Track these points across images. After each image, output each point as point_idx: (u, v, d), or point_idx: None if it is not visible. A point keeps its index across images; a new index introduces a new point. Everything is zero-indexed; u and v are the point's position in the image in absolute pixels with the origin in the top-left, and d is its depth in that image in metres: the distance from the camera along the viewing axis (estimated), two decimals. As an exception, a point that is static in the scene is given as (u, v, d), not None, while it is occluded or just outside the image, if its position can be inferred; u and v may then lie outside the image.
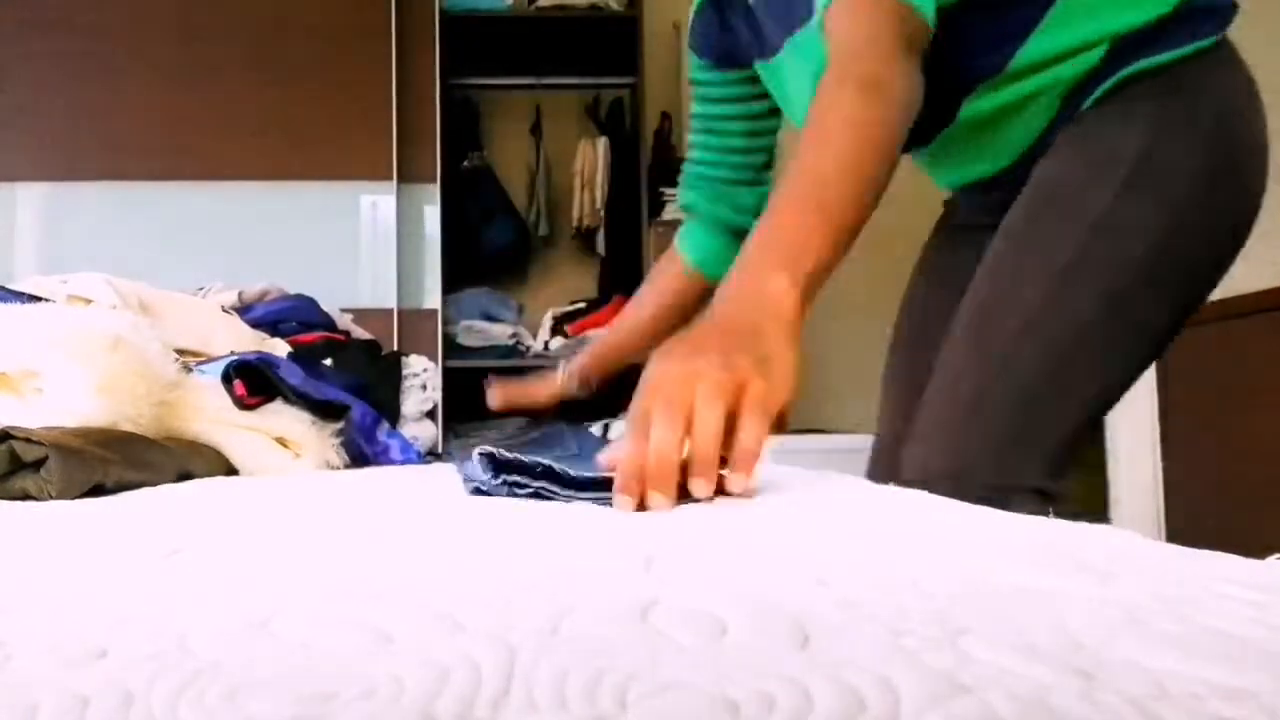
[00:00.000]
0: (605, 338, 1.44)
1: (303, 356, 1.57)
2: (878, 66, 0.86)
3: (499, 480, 0.70)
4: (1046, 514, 0.60)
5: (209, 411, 1.13)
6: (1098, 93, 1.00)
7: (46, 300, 1.26)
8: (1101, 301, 0.96)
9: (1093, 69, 1.00)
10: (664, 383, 0.65)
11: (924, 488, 0.76)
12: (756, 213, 1.28)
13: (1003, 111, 1.05)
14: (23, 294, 1.26)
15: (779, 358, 0.72)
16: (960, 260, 1.14)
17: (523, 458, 0.70)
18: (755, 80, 1.24)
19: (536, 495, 0.69)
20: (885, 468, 1.24)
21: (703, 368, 0.65)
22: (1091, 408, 1.00)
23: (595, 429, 1.18)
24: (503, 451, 0.71)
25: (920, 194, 1.71)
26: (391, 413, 1.79)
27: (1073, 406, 0.98)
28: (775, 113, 1.28)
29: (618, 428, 1.12)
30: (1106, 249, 0.96)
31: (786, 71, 1.11)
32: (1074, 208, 0.98)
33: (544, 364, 3.10)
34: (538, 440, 1.11)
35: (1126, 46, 0.99)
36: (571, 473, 0.68)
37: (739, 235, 1.27)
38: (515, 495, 0.70)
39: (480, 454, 0.72)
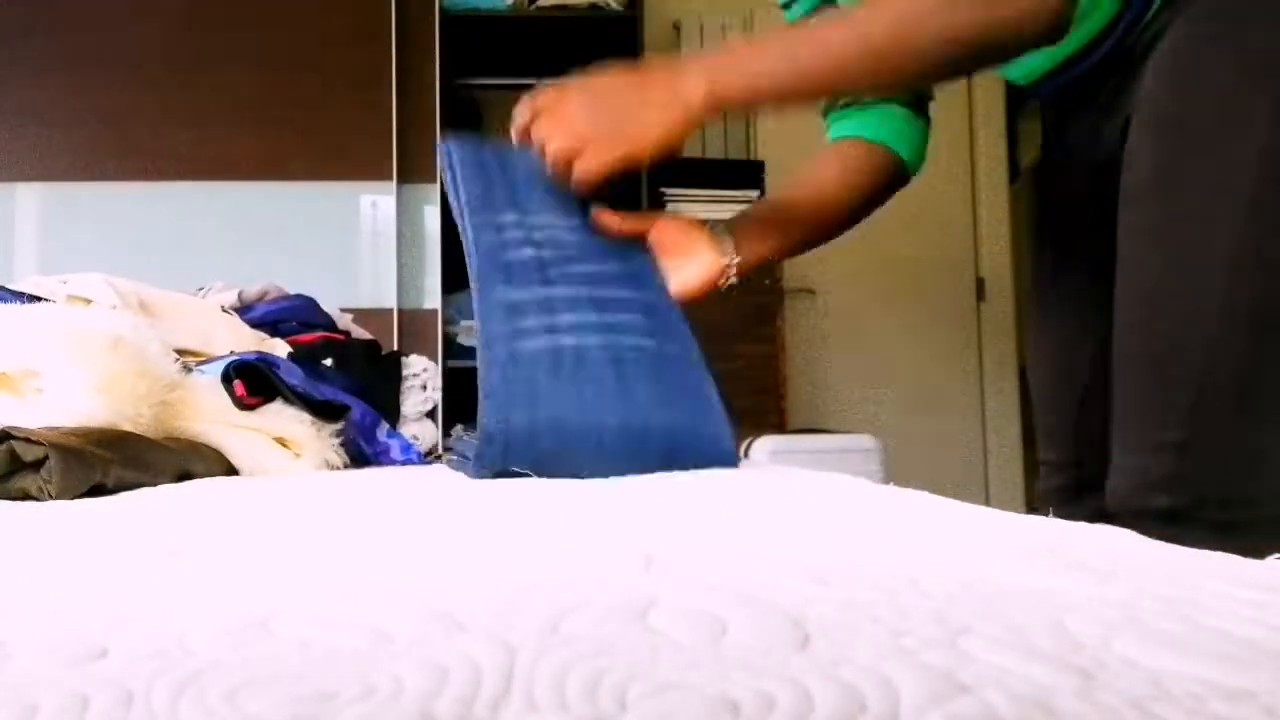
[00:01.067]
0: (775, 211, 1.12)
1: (303, 356, 1.56)
2: None
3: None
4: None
5: (209, 411, 1.13)
6: None
7: (46, 300, 1.26)
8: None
9: None
10: (551, 110, 0.85)
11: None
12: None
13: None
14: (22, 294, 1.26)
15: (634, 137, 0.85)
16: (1077, 222, 0.98)
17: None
18: None
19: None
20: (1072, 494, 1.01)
21: (575, 119, 0.84)
22: None
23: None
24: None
25: (917, 200, 1.72)
26: (391, 413, 1.79)
27: None
28: None
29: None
30: (1270, 191, 0.77)
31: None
32: (1231, 144, 0.78)
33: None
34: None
35: None
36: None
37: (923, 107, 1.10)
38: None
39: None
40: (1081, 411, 0.98)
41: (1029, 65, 0.95)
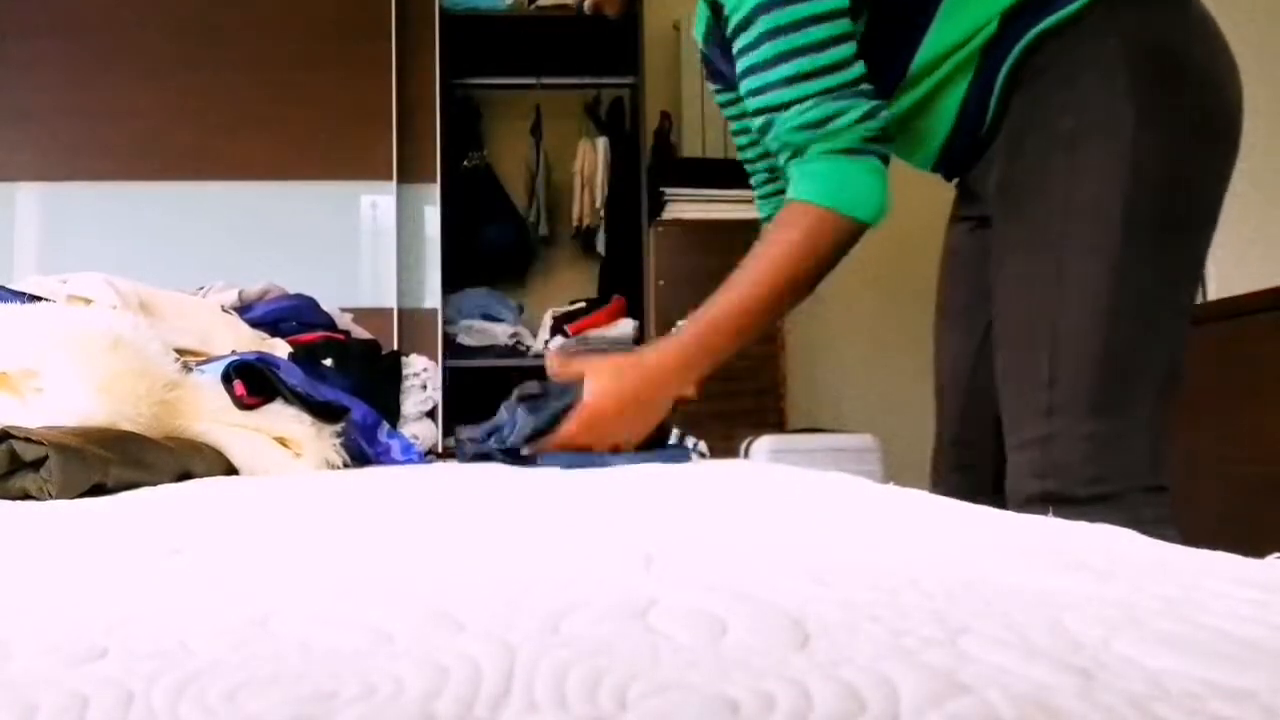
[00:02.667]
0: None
1: (303, 356, 1.57)
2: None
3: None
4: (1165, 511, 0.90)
5: (209, 411, 1.13)
6: (1010, 60, 1.04)
7: (46, 300, 1.26)
8: (1113, 275, 0.97)
9: (991, 40, 1.05)
10: (593, 427, 1.12)
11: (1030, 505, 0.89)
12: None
13: (925, 100, 1.12)
14: (23, 294, 1.26)
15: (649, 427, 1.16)
16: (975, 246, 1.20)
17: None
18: None
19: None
20: (950, 468, 1.25)
21: (613, 428, 1.13)
22: (1165, 366, 1.00)
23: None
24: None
25: (914, 202, 1.72)
26: (392, 413, 1.79)
27: (1146, 382, 0.99)
28: None
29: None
30: (1086, 226, 0.98)
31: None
32: (1042, 200, 1.02)
33: (544, 364, 3.10)
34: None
35: (1019, 15, 1.03)
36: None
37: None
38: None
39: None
40: (966, 405, 1.22)
41: (919, 159, 1.22)
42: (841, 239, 1.07)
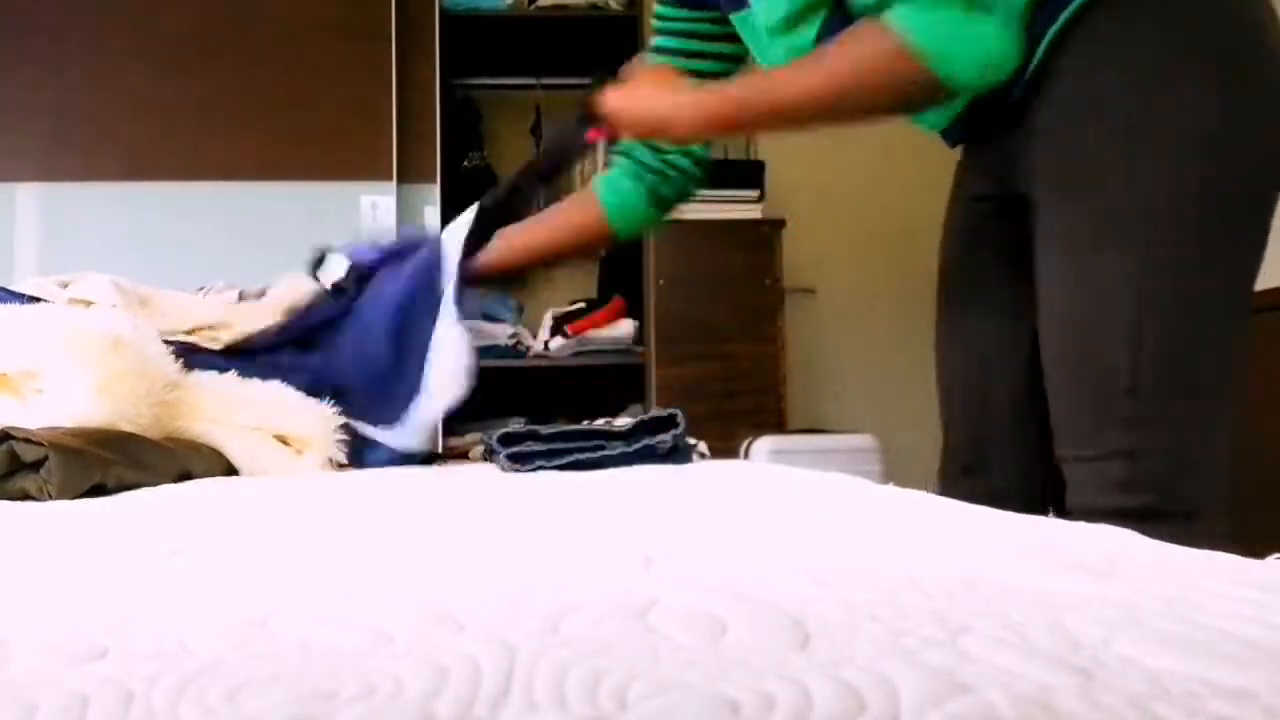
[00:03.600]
0: (505, 242, 1.44)
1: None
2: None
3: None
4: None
5: (209, 411, 1.13)
6: (1064, 16, 0.94)
7: (45, 301, 1.25)
8: (1198, 274, 0.91)
9: None
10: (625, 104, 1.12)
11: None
12: (683, 178, 1.39)
13: None
14: (23, 295, 1.26)
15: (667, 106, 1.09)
16: (994, 231, 1.12)
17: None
18: (716, 29, 1.24)
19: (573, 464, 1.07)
20: (959, 471, 1.17)
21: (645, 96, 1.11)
22: (1232, 373, 0.95)
23: (599, 422, 1.21)
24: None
25: (916, 201, 1.72)
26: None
27: (1225, 390, 0.94)
28: (725, 71, 1.27)
29: (621, 422, 1.16)
30: (1164, 219, 0.91)
31: (758, 21, 1.10)
32: (1110, 188, 0.93)
33: (544, 364, 3.10)
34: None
35: None
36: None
37: (658, 201, 1.40)
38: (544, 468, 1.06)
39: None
40: (978, 406, 1.15)
41: (932, 119, 1.11)
42: (912, 85, 0.93)
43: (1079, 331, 0.96)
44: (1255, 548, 0.47)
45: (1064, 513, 0.99)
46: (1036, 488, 1.09)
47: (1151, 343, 0.91)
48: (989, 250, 1.12)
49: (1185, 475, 0.92)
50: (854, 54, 0.95)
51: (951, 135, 1.13)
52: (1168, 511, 0.90)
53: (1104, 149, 0.94)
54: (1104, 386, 0.93)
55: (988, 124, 1.05)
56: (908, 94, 0.95)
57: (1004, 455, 1.11)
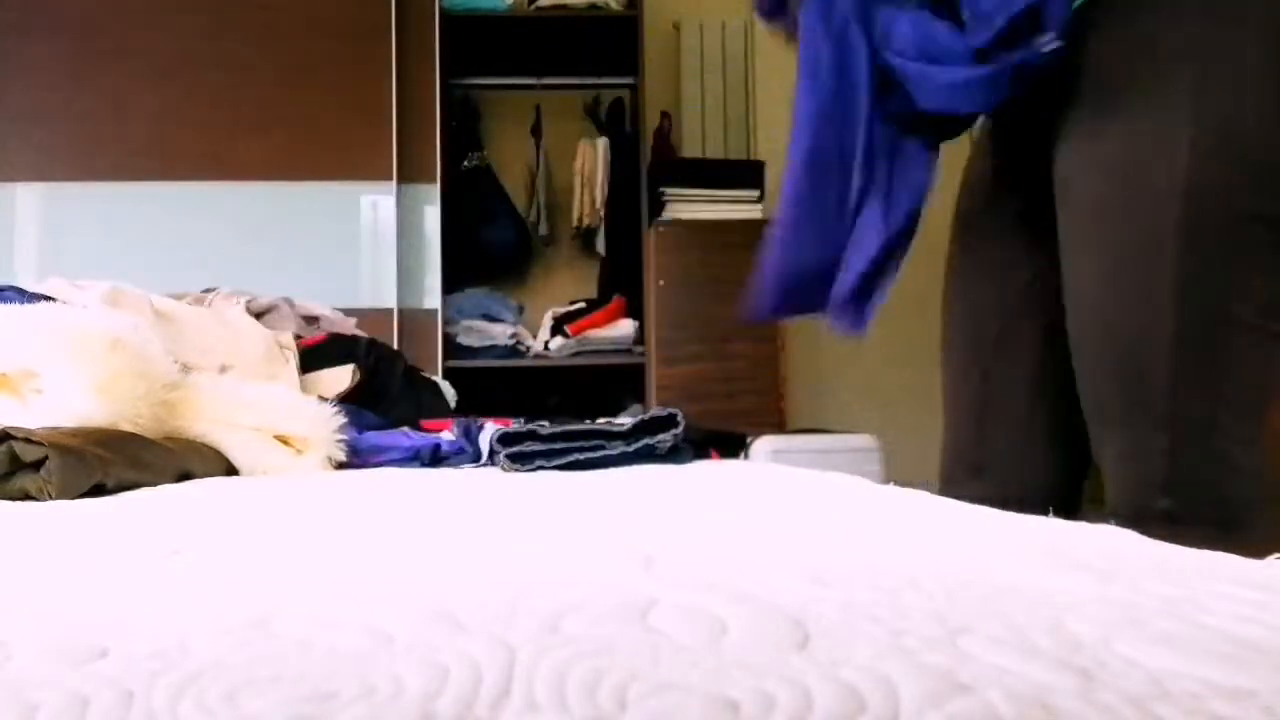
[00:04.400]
0: None
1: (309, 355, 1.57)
2: None
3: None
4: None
5: (208, 411, 1.13)
6: None
7: (55, 301, 1.25)
8: (1244, 277, 0.88)
9: None
10: None
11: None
12: None
13: None
14: (24, 293, 1.26)
15: None
16: (1007, 218, 1.08)
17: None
18: None
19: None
20: (965, 471, 1.13)
21: None
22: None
23: (600, 422, 1.21)
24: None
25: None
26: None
27: (1264, 392, 0.91)
28: None
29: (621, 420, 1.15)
30: (1206, 221, 0.88)
31: None
32: (1151, 183, 0.89)
33: (544, 364, 3.10)
34: None
35: None
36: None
37: None
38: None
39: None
40: (985, 404, 1.10)
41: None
42: None
43: (1111, 330, 0.93)
44: (1255, 548, 0.47)
45: (1072, 513, 0.98)
46: (1048, 487, 1.05)
47: (1192, 344, 0.89)
48: (1008, 212, 1.07)
49: (1228, 479, 0.90)
50: None
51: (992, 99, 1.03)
52: (1210, 516, 0.88)
53: (1143, 131, 0.90)
54: (1141, 384, 0.91)
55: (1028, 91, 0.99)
56: None
57: (1017, 454, 1.07)
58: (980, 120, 1.12)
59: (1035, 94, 0.98)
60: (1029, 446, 1.06)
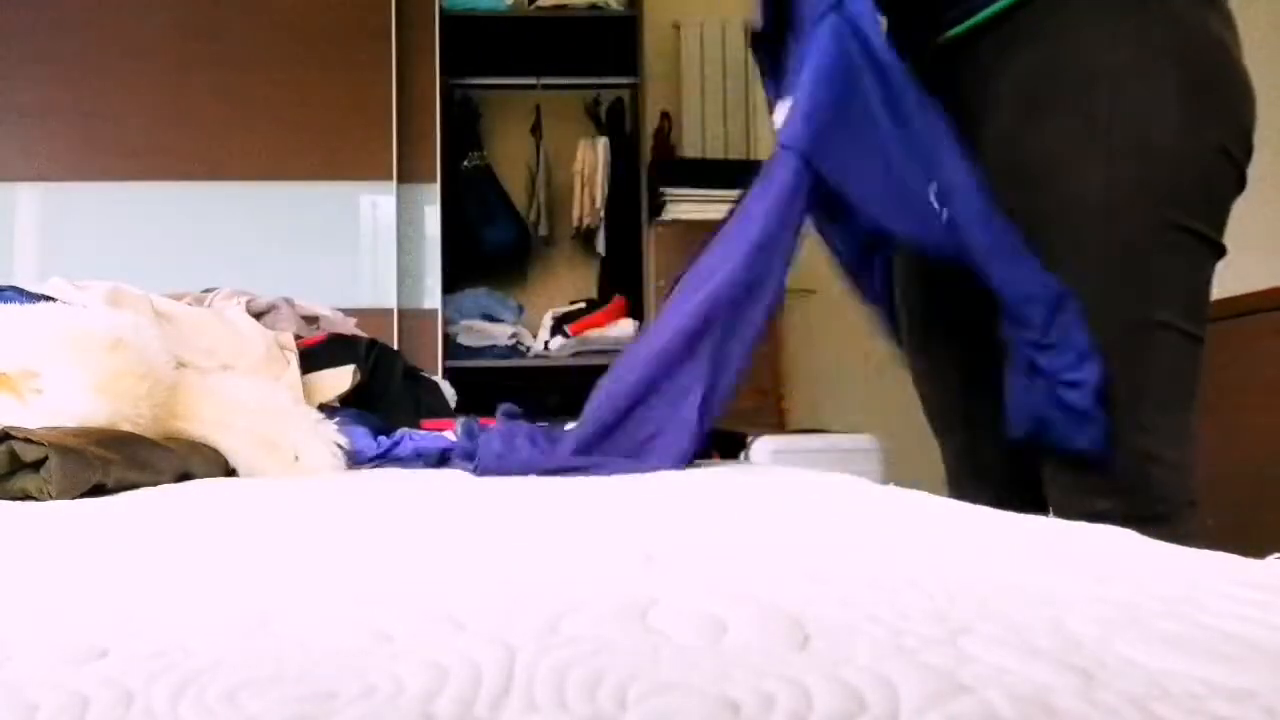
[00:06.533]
0: None
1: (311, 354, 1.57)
2: None
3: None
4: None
5: (209, 412, 1.13)
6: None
7: (58, 301, 1.25)
8: (1184, 271, 0.93)
9: None
10: None
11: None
12: None
13: None
14: (24, 293, 1.26)
15: None
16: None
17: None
18: None
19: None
20: (967, 476, 1.17)
21: None
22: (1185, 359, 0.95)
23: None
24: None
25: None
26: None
27: (1196, 388, 0.95)
28: None
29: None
30: (1134, 223, 0.92)
31: None
32: (1077, 184, 0.94)
33: (544, 364, 3.10)
34: None
35: None
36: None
37: None
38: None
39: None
40: (969, 409, 1.15)
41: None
42: None
43: None
44: (1255, 548, 0.47)
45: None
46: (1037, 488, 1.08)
47: (1114, 347, 0.93)
48: (946, 286, 1.10)
49: (1156, 476, 0.94)
50: None
51: None
52: (1155, 514, 0.92)
53: (1055, 147, 0.96)
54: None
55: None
56: None
57: (1007, 455, 1.08)
58: None
59: (968, 69, 1.03)
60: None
